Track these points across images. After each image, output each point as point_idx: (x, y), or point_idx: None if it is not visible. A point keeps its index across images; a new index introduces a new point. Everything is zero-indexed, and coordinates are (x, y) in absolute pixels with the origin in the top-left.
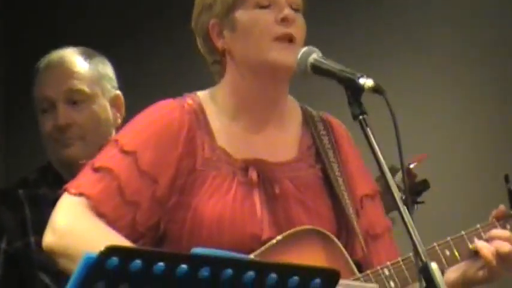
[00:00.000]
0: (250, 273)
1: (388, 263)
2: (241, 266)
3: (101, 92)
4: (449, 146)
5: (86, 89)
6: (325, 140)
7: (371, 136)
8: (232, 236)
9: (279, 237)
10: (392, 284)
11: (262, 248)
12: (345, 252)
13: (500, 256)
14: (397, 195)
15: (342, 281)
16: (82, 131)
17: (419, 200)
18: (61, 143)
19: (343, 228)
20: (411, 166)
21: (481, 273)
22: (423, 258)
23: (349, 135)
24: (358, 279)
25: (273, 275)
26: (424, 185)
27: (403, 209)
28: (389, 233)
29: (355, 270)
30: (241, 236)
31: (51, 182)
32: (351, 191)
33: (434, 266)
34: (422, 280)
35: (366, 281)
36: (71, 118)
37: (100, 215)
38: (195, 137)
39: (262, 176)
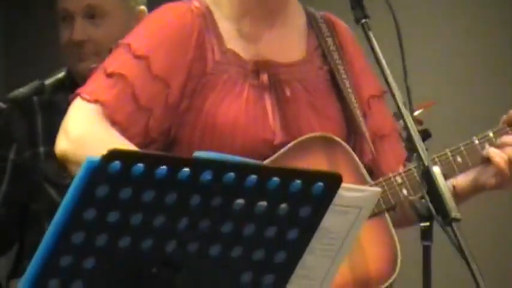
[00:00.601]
0: (252, 177)
1: (401, 170)
2: (243, 169)
3: (123, 7)
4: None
5: (106, 5)
6: (330, 42)
7: (373, 39)
8: (244, 141)
9: (290, 144)
10: (405, 191)
11: (274, 156)
12: (357, 159)
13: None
14: (397, 93)
15: (344, 185)
16: (97, 48)
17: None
18: (75, 56)
19: (352, 130)
20: (416, 113)
21: (493, 180)
22: (425, 162)
23: (352, 36)
24: (370, 186)
25: (275, 179)
26: (426, 134)
27: (405, 111)
28: (396, 133)
29: (367, 176)
30: (254, 141)
31: (68, 88)
32: (358, 92)
33: (437, 170)
34: (425, 183)
35: (379, 187)
36: (87, 34)
37: (114, 122)
38: (205, 40)
39: (273, 79)
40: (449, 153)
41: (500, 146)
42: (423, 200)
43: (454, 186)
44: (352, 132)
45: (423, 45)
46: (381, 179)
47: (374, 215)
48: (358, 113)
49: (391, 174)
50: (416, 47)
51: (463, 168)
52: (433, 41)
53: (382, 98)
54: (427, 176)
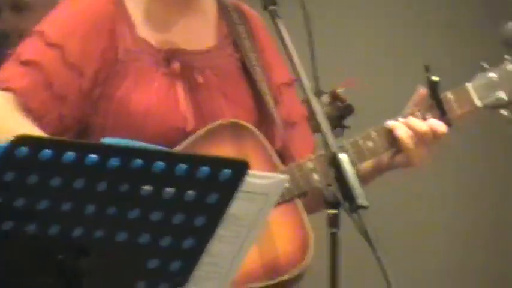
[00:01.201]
0: (160, 164)
1: (312, 155)
2: (150, 156)
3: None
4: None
5: None
6: (241, 29)
7: (281, 27)
8: (157, 129)
9: (201, 131)
10: (315, 176)
11: (185, 142)
12: (268, 145)
13: (417, 137)
14: (305, 78)
15: (251, 172)
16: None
17: (345, 124)
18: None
19: (263, 117)
20: (338, 91)
21: (398, 157)
22: (332, 149)
23: (263, 24)
24: (282, 173)
25: (183, 165)
26: (349, 109)
27: (312, 96)
28: (306, 120)
29: (279, 163)
30: (166, 129)
31: None
32: (269, 79)
33: (344, 156)
34: (333, 170)
35: (290, 174)
36: (15, 24)
37: (28, 110)
38: (117, 28)
39: (185, 67)
40: (358, 139)
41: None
42: (330, 187)
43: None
44: (263, 119)
45: (339, 32)
46: (292, 165)
47: (286, 200)
48: (269, 100)
49: (302, 160)
50: (334, 35)
51: (374, 153)
52: (350, 26)
53: (292, 85)
54: (334, 163)
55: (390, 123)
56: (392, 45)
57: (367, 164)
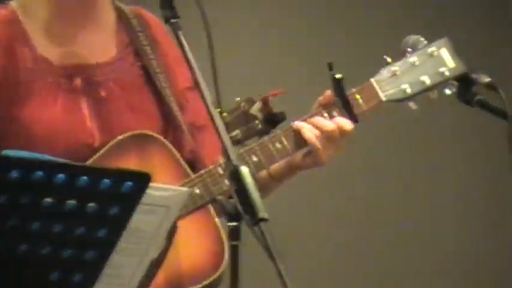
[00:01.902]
0: (61, 176)
1: (222, 161)
2: (51, 168)
3: None
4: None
5: None
6: (142, 37)
7: (182, 39)
8: (65, 147)
9: (108, 145)
10: (227, 182)
11: (93, 158)
12: (176, 153)
13: (324, 136)
14: (206, 90)
15: (152, 184)
16: None
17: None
18: None
19: (170, 125)
20: (269, 97)
21: (308, 158)
22: (234, 162)
23: (165, 29)
24: (192, 180)
25: (84, 178)
26: (281, 116)
27: (214, 111)
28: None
29: (188, 170)
30: (75, 146)
31: None
32: (173, 85)
33: (244, 170)
34: (233, 183)
35: (200, 181)
36: None
37: None
38: (15, 48)
39: (87, 81)
40: (268, 141)
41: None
42: (231, 200)
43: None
44: (170, 126)
45: (242, 43)
46: (202, 172)
47: (198, 207)
48: (174, 106)
49: (211, 166)
50: (237, 45)
51: (283, 155)
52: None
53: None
54: (235, 176)
55: (297, 124)
56: (299, 48)
57: (279, 165)
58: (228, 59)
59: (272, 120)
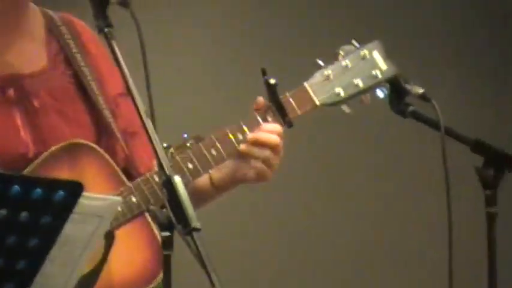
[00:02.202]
0: None
1: (156, 170)
2: None
3: None
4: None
5: None
6: (72, 44)
7: (116, 49)
8: (1, 158)
9: (42, 156)
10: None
11: (27, 169)
12: (111, 161)
13: (255, 143)
14: (140, 103)
15: (85, 193)
16: None
17: None
18: None
19: (103, 133)
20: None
21: (251, 172)
22: (166, 171)
23: (95, 35)
24: (128, 188)
25: (16, 187)
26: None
27: (147, 120)
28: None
29: (124, 178)
30: (9, 158)
31: None
32: (104, 92)
33: (177, 179)
34: (166, 192)
35: (137, 189)
36: None
37: None
38: None
39: (20, 92)
40: (202, 147)
41: (253, 141)
42: (164, 210)
43: (210, 178)
44: (103, 134)
45: (173, 53)
46: (138, 180)
47: (136, 216)
48: (107, 113)
49: (148, 174)
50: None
51: (219, 161)
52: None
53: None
54: (168, 185)
55: (242, 147)
56: (234, 54)
57: (221, 174)
58: (162, 68)
59: None
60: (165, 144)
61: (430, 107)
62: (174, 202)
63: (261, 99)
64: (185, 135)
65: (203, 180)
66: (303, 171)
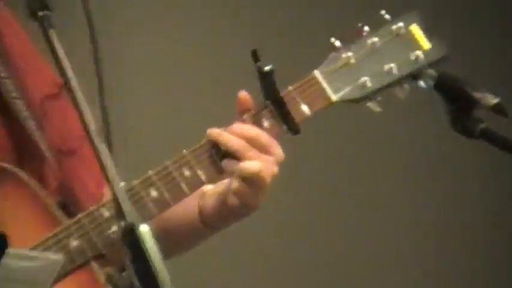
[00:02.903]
0: None
1: (107, 199)
2: None
3: None
4: None
5: None
6: None
7: (54, 38)
8: None
9: None
10: (114, 227)
11: None
12: (40, 191)
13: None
14: (85, 108)
15: (11, 250)
16: None
17: None
18: None
19: (27, 152)
20: None
21: (234, 198)
22: (126, 216)
23: (16, 24)
24: (66, 228)
25: None
26: None
27: (95, 134)
28: (86, 142)
29: (59, 214)
30: None
31: None
32: (26, 94)
33: (144, 229)
34: (128, 249)
35: (79, 228)
36: None
37: None
38: None
39: None
40: (172, 169)
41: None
42: (124, 273)
43: (200, 212)
44: (28, 154)
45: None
46: (80, 216)
47: (79, 266)
48: (31, 124)
49: (93, 208)
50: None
51: (197, 184)
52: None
53: (61, 95)
54: (130, 238)
55: (211, 132)
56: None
57: (212, 205)
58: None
59: None
60: (121, 183)
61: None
62: (139, 262)
63: (245, 96)
64: (150, 172)
65: (182, 212)
66: (303, 171)
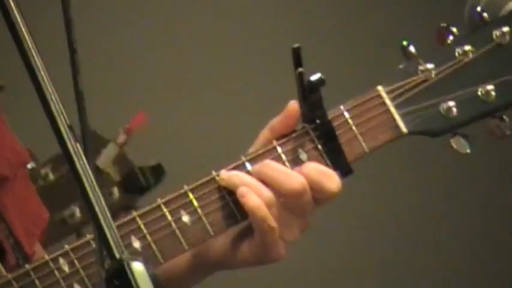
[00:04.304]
0: None
1: (68, 247)
2: None
3: None
4: None
5: None
6: None
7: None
8: None
9: None
10: (77, 286)
11: None
12: None
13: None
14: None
15: None
16: None
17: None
18: None
19: None
20: (121, 140)
21: (246, 249)
22: (115, 250)
23: None
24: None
25: None
26: (158, 172)
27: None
28: (24, 168)
29: None
30: None
31: None
32: None
33: (138, 267)
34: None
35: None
36: None
37: None
38: None
39: None
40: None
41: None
42: None
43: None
44: None
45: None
46: (28, 267)
47: None
48: None
49: (47, 257)
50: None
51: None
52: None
53: None
54: (121, 278)
55: (224, 176)
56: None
57: (221, 241)
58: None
59: (137, 181)
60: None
61: None
62: None
63: (295, 109)
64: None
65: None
66: None
